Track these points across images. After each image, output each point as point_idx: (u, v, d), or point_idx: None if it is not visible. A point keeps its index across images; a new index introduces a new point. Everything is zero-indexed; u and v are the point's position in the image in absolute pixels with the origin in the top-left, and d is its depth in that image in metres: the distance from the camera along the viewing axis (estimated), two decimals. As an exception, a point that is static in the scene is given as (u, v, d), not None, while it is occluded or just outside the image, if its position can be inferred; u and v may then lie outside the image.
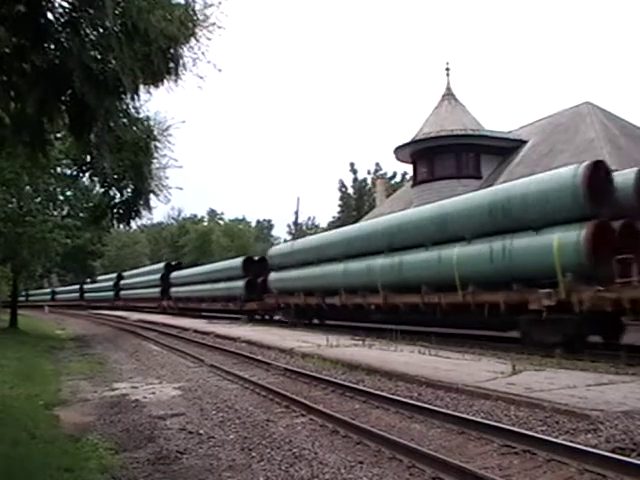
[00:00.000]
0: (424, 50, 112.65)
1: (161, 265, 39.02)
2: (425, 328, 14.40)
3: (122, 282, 44.49)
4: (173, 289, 35.43)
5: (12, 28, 3.90)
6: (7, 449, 5.44)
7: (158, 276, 37.43)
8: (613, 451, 4.94)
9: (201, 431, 6.64)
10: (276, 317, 24.34)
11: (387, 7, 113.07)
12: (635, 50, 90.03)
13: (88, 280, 42.44)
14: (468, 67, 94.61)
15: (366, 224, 19.76)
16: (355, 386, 8.69)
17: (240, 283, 25.96)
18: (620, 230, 10.31)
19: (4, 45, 3.96)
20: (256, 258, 27.15)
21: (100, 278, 41.67)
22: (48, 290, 60.00)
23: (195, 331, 21.39)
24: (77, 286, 50.93)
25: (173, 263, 38.91)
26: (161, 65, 4.28)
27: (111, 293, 46.13)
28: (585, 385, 7.54)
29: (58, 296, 58.60)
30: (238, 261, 27.52)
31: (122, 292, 44.97)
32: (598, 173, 10.61)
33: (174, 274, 35.92)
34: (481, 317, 12.21)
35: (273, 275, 23.18)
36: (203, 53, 4.62)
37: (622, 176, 11.06)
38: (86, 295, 51.35)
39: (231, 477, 5.04)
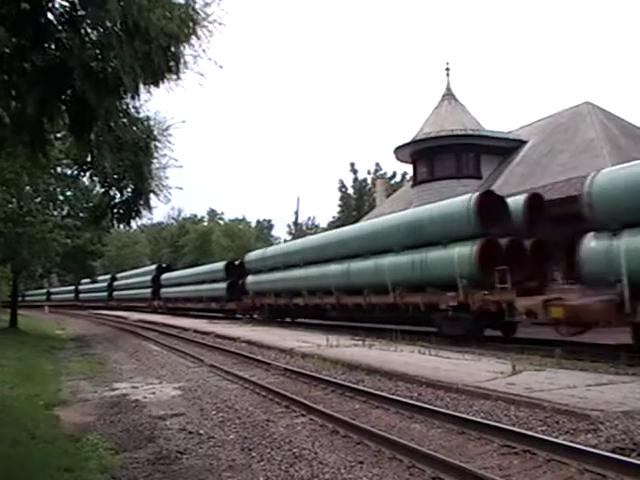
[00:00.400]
0: (424, 50, 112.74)
1: (152, 267, 40.69)
2: (368, 324, 17.03)
3: (115, 283, 46.17)
4: (163, 290, 37.25)
5: (12, 28, 3.90)
6: (7, 449, 5.44)
7: (149, 277, 39.12)
8: (613, 451, 4.94)
9: (201, 431, 6.64)
10: (255, 316, 26.41)
11: (387, 7, 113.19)
12: (635, 50, 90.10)
13: (83, 281, 44.96)
14: (468, 67, 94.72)
15: (321, 236, 23.10)
16: (355, 386, 8.69)
17: (222, 285, 28.31)
18: (507, 245, 12.71)
19: (4, 45, 3.95)
20: (236, 262, 29.12)
21: (98, 279, 42.82)
22: (44, 291, 60.55)
23: (195, 331, 21.40)
24: (72, 287, 52.68)
25: (164, 265, 40.79)
26: (162, 63, 4.27)
27: (105, 294, 47.59)
28: (585, 385, 7.54)
29: (53, 296, 59.59)
30: (221, 265, 29.91)
31: (115, 293, 46.45)
32: (488, 200, 13.25)
33: (164, 276, 37.66)
34: (407, 314, 14.93)
35: (249, 278, 25.55)
36: (204, 50, 4.62)
37: (514, 201, 13.50)
38: (81, 296, 52.87)
39: (231, 477, 5.04)
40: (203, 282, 30.80)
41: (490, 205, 13.15)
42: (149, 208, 8.58)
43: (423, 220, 14.65)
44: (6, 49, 4.01)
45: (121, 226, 9.19)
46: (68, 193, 22.52)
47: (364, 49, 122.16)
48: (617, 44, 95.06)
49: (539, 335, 12.50)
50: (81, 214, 21.80)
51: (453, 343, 12.81)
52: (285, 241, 59.72)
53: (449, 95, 25.79)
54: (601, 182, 10.17)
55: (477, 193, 13.66)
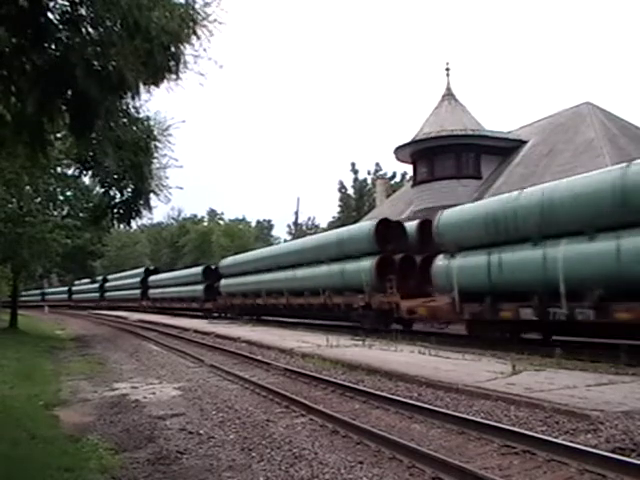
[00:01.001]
0: (424, 50, 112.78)
1: (141, 270, 43.19)
2: (309, 320, 21.21)
3: (107, 284, 48.65)
4: (151, 291, 40.30)
5: (12, 28, 3.89)
6: (7, 449, 5.44)
7: (138, 279, 41.93)
8: (613, 451, 4.94)
9: (201, 431, 6.64)
10: (229, 315, 29.56)
11: (387, 7, 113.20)
12: (635, 50, 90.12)
13: (75, 282, 49.62)
14: (468, 67, 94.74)
15: (277, 247, 29.09)
16: (355, 386, 8.69)
17: (200, 287, 31.70)
18: (400, 260, 16.66)
19: (4, 45, 3.95)
20: (213, 267, 32.59)
21: (86, 281, 46.21)
22: (38, 292, 61.50)
23: (195, 331, 21.40)
24: (66, 288, 55.39)
25: (151, 268, 43.65)
26: (163, 62, 4.27)
27: (97, 294, 49.96)
28: (585, 385, 7.54)
29: (47, 297, 61.17)
30: (199, 269, 33.56)
31: (107, 293, 48.99)
32: (387, 226, 17.52)
33: (151, 278, 40.59)
34: (334, 312, 18.89)
35: (223, 281, 29.24)
36: (205, 49, 4.62)
37: (410, 225, 17.63)
38: (74, 296, 55.14)
39: (231, 477, 5.04)
40: (185, 284, 33.85)
41: (388, 229, 17.33)
42: (149, 208, 8.57)
43: (344, 239, 18.79)
44: (6, 49, 4.01)
45: (121, 226, 9.18)
46: (68, 193, 22.52)
47: (364, 49, 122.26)
48: (617, 44, 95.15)
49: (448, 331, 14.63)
50: (81, 214, 21.80)
51: (451, 343, 12.84)
52: (285, 241, 59.79)
53: (449, 95, 25.79)
54: (444, 219, 13.99)
55: (376, 221, 18.01)
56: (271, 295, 23.43)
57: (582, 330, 10.99)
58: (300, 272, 21.00)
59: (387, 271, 16.27)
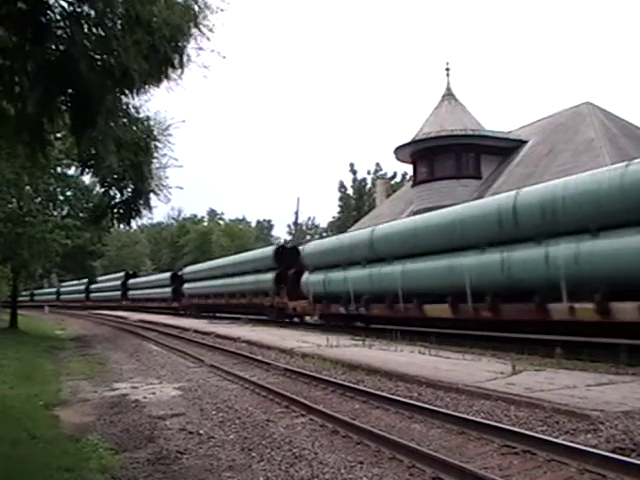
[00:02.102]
0: (424, 50, 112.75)
1: (122, 274, 48.93)
2: (246, 316, 27.49)
3: (92, 286, 53.29)
4: (129, 292, 46.50)
5: (12, 27, 3.89)
6: (7, 449, 5.44)
7: (119, 282, 47.70)
8: (613, 451, 4.94)
9: (201, 431, 6.64)
10: (188, 312, 35.22)
11: (387, 7, 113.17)
12: (635, 50, 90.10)
13: (64, 284, 56.78)
14: (468, 67, 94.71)
15: (220, 260, 33.50)
16: (355, 386, 8.69)
17: (169, 289, 37.79)
18: (293, 273, 22.66)
19: (4, 44, 3.95)
20: (179, 273, 38.42)
21: (74, 282, 54.41)
22: (27, 292, 62.40)
23: (195, 331, 21.40)
24: (54, 289, 60.63)
25: (130, 272, 49.12)
26: (166, 54, 4.28)
27: (83, 295, 55.39)
28: (585, 385, 7.54)
29: (37, 297, 63.93)
30: (168, 275, 39.82)
31: (92, 294, 54.07)
32: (285, 250, 25.09)
33: (130, 281, 46.66)
34: (255, 309, 26.35)
35: (186, 285, 35.78)
36: (208, 38, 4.63)
37: (302, 249, 22.52)
38: (62, 297, 59.84)
39: (231, 477, 5.04)
40: (157, 287, 40.18)
41: (287, 251, 24.48)
42: (149, 208, 8.60)
43: (257, 256, 26.95)
44: (7, 47, 4.01)
45: (121, 226, 9.20)
46: (68, 193, 22.52)
47: (364, 49, 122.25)
48: (617, 44, 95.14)
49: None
50: (81, 214, 21.80)
51: (451, 343, 12.86)
52: (285, 241, 59.83)
53: (449, 95, 25.74)
54: (307, 249, 21.86)
55: (275, 247, 27.16)
56: (217, 296, 30.67)
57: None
58: (232, 280, 28.08)
59: (283, 281, 23.22)
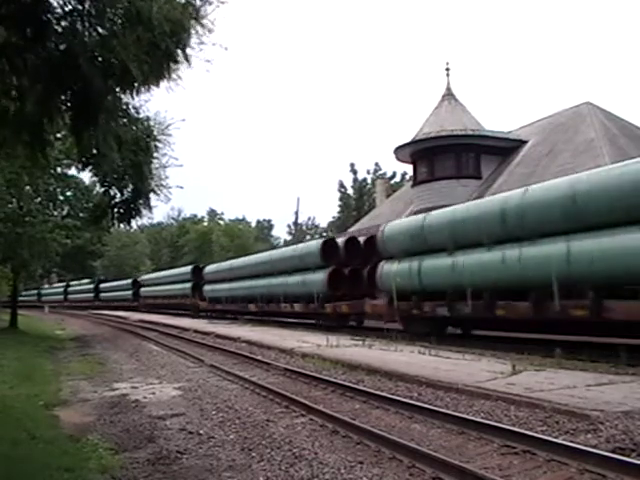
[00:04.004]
0: (424, 50, 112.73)
1: (94, 280, 53.84)
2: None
3: (69, 289, 58.95)
4: (101, 294, 51.75)
5: (13, 26, 3.89)
6: (7, 449, 5.44)
7: (92, 286, 52.98)
8: (613, 451, 4.94)
9: (201, 431, 6.64)
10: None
11: (387, 7, 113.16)
12: (635, 50, 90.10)
13: (44, 287, 62.65)
14: (468, 67, 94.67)
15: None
16: (355, 386, 8.68)
17: (129, 292, 44.30)
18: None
19: (5, 42, 3.95)
20: (138, 279, 44.68)
21: (55, 285, 61.76)
22: (34, 291, 64.46)
23: (195, 331, 21.39)
24: (35, 291, 63.87)
25: (102, 278, 54.50)
26: (167, 50, 4.28)
27: (62, 296, 59.79)
28: (585, 385, 7.53)
29: (20, 298, 63.67)
30: (129, 280, 45.94)
31: (69, 296, 58.95)
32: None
33: (101, 285, 52.32)
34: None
35: (142, 289, 42.35)
36: (209, 31, 4.62)
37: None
38: (42, 298, 63.44)
39: (231, 477, 5.04)
40: (122, 290, 46.61)
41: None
42: (149, 207, 8.61)
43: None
44: (7, 45, 4.01)
45: (121, 226, 9.20)
46: (68, 193, 22.54)
47: (364, 49, 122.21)
48: (617, 44, 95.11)
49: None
50: (81, 214, 21.82)
51: (451, 343, 12.84)
52: (285, 241, 59.72)
53: (449, 95, 25.74)
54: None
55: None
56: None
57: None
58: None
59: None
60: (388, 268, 15.57)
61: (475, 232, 12.52)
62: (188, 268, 35.82)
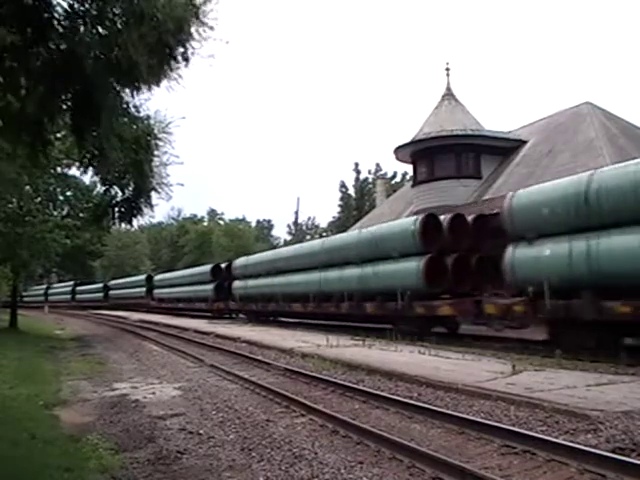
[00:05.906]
0: (424, 50, 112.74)
1: (71, 282, 56.20)
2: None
3: (49, 291, 61.63)
4: (77, 296, 55.51)
5: (15, 26, 3.89)
6: (7, 449, 5.44)
7: (70, 289, 56.08)
8: (613, 451, 4.94)
9: (201, 431, 6.63)
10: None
11: (387, 7, 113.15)
12: (635, 50, 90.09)
13: (30, 288, 64.05)
14: (468, 67, 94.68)
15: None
16: (355, 386, 8.68)
17: (100, 294, 49.22)
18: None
19: (6, 42, 3.95)
20: (112, 282, 48.81)
21: (36, 287, 63.73)
22: (42, 288, 65.29)
23: (195, 331, 21.38)
24: (70, 287, 64.30)
25: (78, 281, 54.88)
26: (172, 45, 4.28)
27: (42, 297, 61.82)
28: (585, 385, 7.53)
29: (50, 297, 65.73)
30: (100, 285, 50.24)
31: (50, 297, 60.55)
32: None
33: (78, 288, 55.02)
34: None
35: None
36: (212, 27, 4.62)
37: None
38: (25, 299, 64.45)
39: (231, 477, 5.04)
40: (91, 292, 52.54)
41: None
42: (150, 206, 8.58)
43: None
44: (9, 45, 4.01)
45: (123, 225, 9.19)
46: (68, 193, 22.54)
47: (365, 49, 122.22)
48: (617, 44, 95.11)
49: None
50: (81, 214, 21.82)
51: (451, 343, 12.84)
52: (285, 241, 59.70)
53: (449, 95, 25.76)
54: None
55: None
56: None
57: None
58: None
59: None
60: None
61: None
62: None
